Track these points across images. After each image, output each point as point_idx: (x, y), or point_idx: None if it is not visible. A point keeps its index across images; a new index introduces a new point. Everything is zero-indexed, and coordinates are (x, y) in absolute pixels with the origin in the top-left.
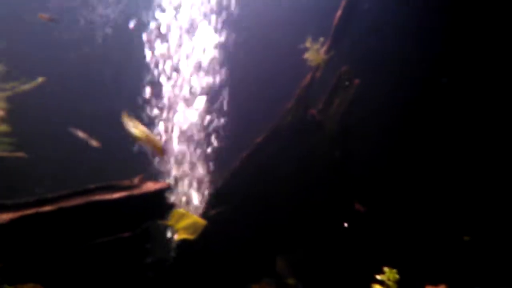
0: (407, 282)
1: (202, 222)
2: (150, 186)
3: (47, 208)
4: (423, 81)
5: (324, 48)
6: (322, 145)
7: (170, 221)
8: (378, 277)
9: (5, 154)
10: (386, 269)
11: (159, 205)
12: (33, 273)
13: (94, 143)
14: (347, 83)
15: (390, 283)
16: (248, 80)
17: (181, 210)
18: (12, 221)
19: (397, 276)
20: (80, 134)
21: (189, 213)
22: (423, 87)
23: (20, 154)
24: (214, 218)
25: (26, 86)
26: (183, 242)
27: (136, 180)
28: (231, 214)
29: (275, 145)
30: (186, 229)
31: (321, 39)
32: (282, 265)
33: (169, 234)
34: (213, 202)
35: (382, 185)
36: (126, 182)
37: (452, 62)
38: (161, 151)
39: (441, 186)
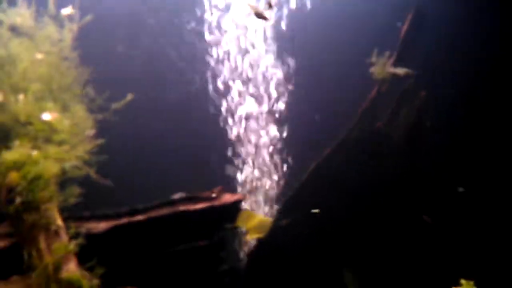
0: None
1: (268, 220)
2: (228, 197)
3: (138, 218)
4: (493, 90)
5: (390, 62)
6: (390, 156)
7: (238, 222)
8: None
9: (94, 176)
10: (463, 281)
11: (234, 215)
12: (124, 277)
13: None
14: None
15: None
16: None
17: (247, 211)
18: (107, 230)
19: None
20: None
21: (254, 213)
22: (492, 96)
23: (106, 181)
24: (285, 228)
25: (116, 105)
26: (254, 250)
27: (215, 192)
28: (300, 224)
29: (343, 157)
30: (255, 228)
31: (387, 53)
32: (350, 276)
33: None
34: (284, 212)
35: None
36: (206, 194)
37: None
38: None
39: None
